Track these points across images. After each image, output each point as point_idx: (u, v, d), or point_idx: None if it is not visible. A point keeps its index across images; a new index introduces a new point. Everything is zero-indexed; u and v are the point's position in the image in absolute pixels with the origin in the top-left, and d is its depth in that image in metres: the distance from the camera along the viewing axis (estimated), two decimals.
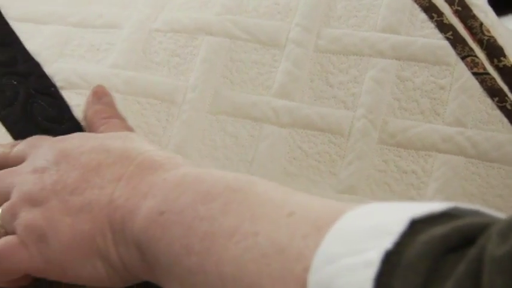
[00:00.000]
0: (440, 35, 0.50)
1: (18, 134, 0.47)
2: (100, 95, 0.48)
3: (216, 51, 0.50)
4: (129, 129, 0.47)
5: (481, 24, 0.50)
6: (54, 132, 0.46)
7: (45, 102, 0.49)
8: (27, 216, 0.38)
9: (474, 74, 0.49)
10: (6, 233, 0.39)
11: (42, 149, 0.41)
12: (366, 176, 0.47)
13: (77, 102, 0.49)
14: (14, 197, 0.39)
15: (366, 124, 0.48)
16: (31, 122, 0.47)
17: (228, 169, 0.47)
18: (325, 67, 0.50)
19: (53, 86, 0.49)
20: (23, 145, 0.44)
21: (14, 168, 0.42)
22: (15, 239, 0.38)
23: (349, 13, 0.52)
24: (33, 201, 0.38)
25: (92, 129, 0.46)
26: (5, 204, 0.40)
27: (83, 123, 0.48)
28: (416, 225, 0.25)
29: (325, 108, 0.49)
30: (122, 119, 0.47)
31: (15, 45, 0.51)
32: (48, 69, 0.50)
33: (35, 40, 0.51)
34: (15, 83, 0.49)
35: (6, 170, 0.42)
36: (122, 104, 0.48)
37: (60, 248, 0.37)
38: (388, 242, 0.25)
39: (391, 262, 0.24)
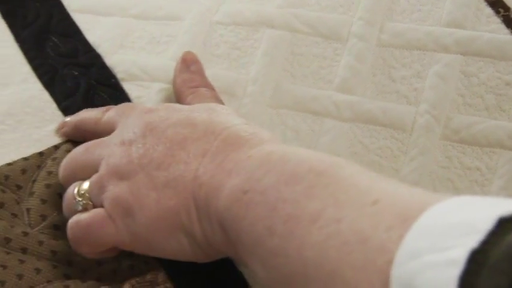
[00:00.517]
0: (506, 30, 0.49)
1: None
2: (189, 63, 0.47)
3: (277, 44, 0.50)
4: (218, 98, 0.46)
5: None
6: None
7: (106, 93, 0.49)
8: (114, 190, 0.38)
9: None
10: (94, 206, 0.39)
11: (130, 119, 0.41)
12: (428, 172, 0.46)
13: (137, 94, 0.49)
14: (102, 169, 0.39)
15: (429, 120, 0.47)
16: None
17: None
18: (387, 62, 0.50)
19: (114, 77, 0.49)
20: (113, 112, 0.44)
21: (103, 139, 0.41)
22: (103, 212, 0.38)
23: (412, 7, 0.51)
24: (120, 174, 0.38)
25: (179, 99, 0.46)
26: (94, 177, 0.39)
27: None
28: (505, 224, 0.25)
29: (388, 103, 0.48)
30: (210, 87, 0.47)
31: (76, 36, 0.51)
32: (109, 60, 0.50)
33: (94, 32, 0.51)
34: (76, 73, 0.49)
35: (95, 141, 0.42)
36: None
37: (146, 223, 0.37)
38: (474, 240, 0.24)
39: (476, 261, 0.24)
